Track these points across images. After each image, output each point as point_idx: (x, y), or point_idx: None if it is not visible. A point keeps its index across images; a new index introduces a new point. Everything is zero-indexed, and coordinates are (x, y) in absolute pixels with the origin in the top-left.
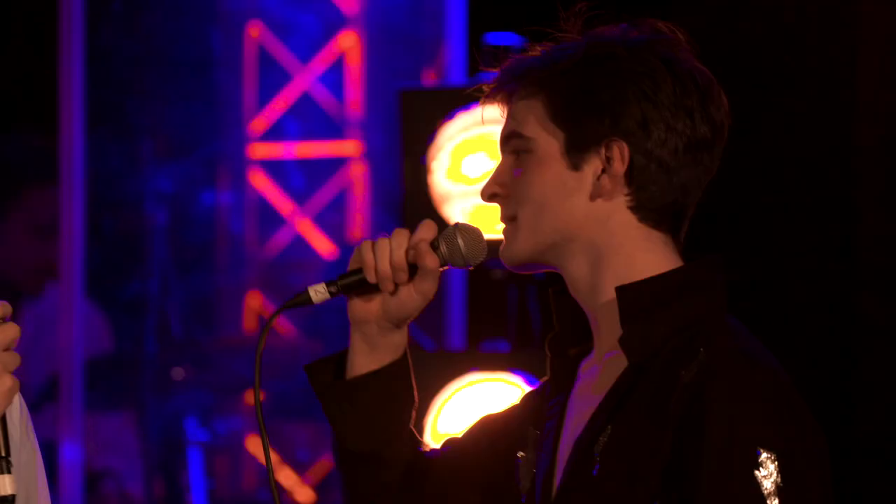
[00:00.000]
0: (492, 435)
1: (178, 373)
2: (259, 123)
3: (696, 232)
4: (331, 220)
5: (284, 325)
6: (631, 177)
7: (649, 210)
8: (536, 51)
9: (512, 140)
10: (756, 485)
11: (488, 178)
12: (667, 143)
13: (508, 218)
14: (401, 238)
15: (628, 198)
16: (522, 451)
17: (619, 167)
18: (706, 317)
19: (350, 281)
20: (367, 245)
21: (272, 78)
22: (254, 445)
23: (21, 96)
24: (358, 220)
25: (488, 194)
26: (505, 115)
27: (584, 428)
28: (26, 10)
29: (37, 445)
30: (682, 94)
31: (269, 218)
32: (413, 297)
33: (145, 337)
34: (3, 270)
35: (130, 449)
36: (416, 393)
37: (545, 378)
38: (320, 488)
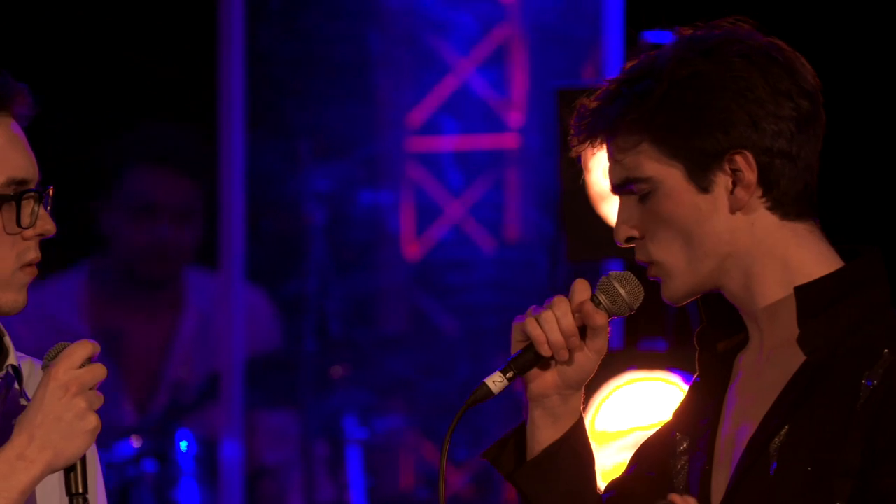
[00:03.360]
0: (648, 459)
1: (336, 371)
2: (416, 121)
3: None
4: (487, 215)
5: (445, 324)
6: (762, 179)
7: (787, 204)
8: (611, 90)
9: (629, 185)
10: None
11: (617, 221)
12: (781, 132)
13: (649, 261)
14: (563, 305)
15: (764, 199)
16: (671, 458)
17: (750, 175)
18: (876, 312)
19: (524, 361)
20: (531, 320)
21: (429, 75)
22: (412, 443)
23: (181, 96)
24: (514, 217)
25: (624, 238)
26: (607, 159)
27: (758, 426)
28: (187, 11)
29: (101, 480)
30: (773, 80)
31: (427, 215)
32: (589, 357)
33: (304, 336)
34: (142, 262)
35: (290, 447)
36: (592, 451)
37: (693, 381)
38: (479, 485)
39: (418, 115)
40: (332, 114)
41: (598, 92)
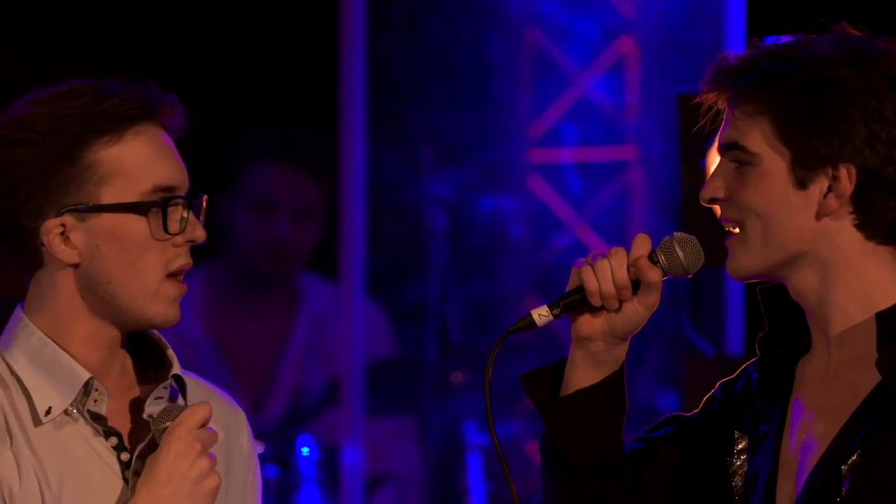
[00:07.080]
0: (691, 435)
1: (457, 377)
2: (537, 129)
3: None
4: (608, 224)
5: (565, 331)
6: (857, 196)
7: (876, 228)
8: (756, 58)
9: (734, 150)
10: None
11: (708, 180)
12: (891, 159)
13: (731, 222)
14: (620, 257)
15: (854, 216)
16: (729, 456)
17: (847, 188)
18: None
19: (571, 301)
20: (586, 268)
21: (550, 83)
22: (532, 449)
23: (303, 103)
24: (635, 224)
25: (708, 198)
26: (724, 117)
27: (830, 444)
28: (308, 18)
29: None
30: None
31: (547, 223)
32: (638, 311)
33: (425, 341)
34: (259, 259)
35: (410, 453)
36: (627, 400)
37: (736, 375)
38: None
39: (540, 125)
40: (452, 120)
41: (745, 52)
